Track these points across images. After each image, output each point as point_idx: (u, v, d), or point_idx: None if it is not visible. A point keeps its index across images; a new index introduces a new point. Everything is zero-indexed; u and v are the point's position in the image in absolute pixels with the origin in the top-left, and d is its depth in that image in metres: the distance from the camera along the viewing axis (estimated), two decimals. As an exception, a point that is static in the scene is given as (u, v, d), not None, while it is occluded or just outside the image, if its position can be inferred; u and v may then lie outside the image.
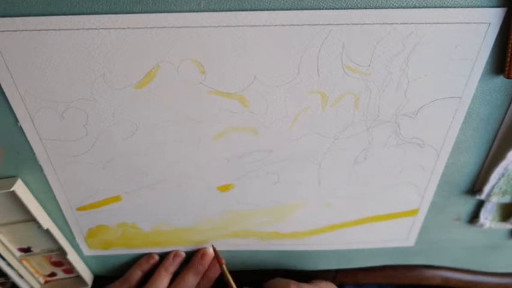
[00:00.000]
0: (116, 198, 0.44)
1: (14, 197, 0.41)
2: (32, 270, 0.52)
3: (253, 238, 0.50)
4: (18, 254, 0.50)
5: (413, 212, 0.48)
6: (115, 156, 0.40)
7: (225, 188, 0.44)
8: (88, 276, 0.54)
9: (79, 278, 0.54)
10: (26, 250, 0.50)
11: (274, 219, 0.48)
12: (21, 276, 0.51)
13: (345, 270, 0.55)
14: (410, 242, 0.51)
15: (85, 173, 0.41)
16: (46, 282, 0.55)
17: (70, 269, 0.53)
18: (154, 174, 0.42)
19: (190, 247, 0.52)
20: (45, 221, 0.45)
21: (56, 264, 0.53)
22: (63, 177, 0.41)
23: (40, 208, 0.44)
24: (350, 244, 0.51)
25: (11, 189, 0.40)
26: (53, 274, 0.54)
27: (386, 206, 0.47)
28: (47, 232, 0.46)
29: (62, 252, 0.49)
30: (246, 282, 0.55)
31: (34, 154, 0.39)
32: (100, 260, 0.53)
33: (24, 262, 0.51)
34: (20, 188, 0.41)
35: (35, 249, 0.50)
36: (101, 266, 0.54)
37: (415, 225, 0.49)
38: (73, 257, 0.50)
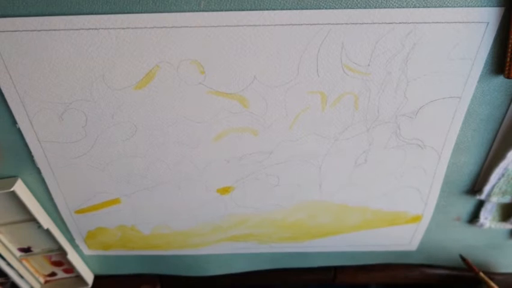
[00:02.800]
0: (115, 201, 0.44)
1: (14, 197, 0.41)
2: (32, 270, 0.52)
3: (253, 241, 0.50)
4: (18, 254, 0.49)
5: (417, 218, 0.47)
6: (114, 158, 0.40)
7: (224, 191, 0.44)
8: (88, 275, 0.54)
9: (79, 277, 0.53)
10: (26, 250, 0.49)
11: (274, 223, 0.48)
12: (21, 276, 0.51)
13: (345, 269, 0.55)
14: (413, 246, 0.51)
15: (84, 175, 0.41)
16: (46, 282, 0.54)
17: (70, 269, 0.53)
18: (153, 177, 0.42)
19: (190, 251, 0.51)
20: (46, 221, 0.45)
21: (56, 264, 0.52)
22: (61, 179, 0.41)
23: (40, 208, 0.44)
24: (351, 247, 0.51)
25: (11, 189, 0.40)
26: (53, 274, 0.54)
27: (389, 212, 0.47)
28: (47, 232, 0.46)
29: (62, 252, 0.49)
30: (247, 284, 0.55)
31: (32, 156, 0.39)
32: (101, 259, 0.52)
33: (24, 262, 0.51)
34: (20, 188, 0.41)
35: (35, 249, 0.50)
36: (102, 265, 0.54)
37: (418, 231, 0.49)
38: (73, 256, 0.50)
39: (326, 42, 0.32)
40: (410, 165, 0.42)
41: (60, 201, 0.44)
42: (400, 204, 0.46)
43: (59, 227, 0.47)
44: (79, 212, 0.45)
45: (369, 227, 0.48)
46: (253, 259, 0.54)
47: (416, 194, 0.45)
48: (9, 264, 0.49)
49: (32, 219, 0.44)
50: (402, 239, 0.50)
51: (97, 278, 0.55)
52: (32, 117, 0.36)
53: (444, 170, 0.43)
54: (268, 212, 0.46)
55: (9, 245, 0.48)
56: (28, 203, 0.42)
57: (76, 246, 0.50)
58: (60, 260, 0.52)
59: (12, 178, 0.41)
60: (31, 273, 0.52)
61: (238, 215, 0.46)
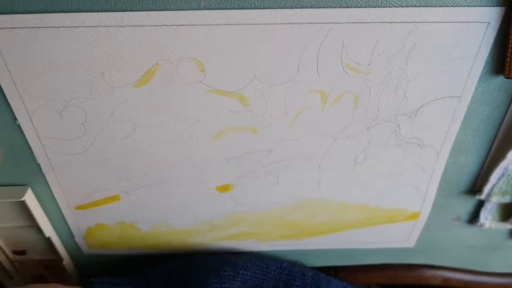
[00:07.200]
0: (114, 198, 0.44)
1: (22, 205, 0.42)
2: (22, 272, 0.52)
3: (252, 240, 0.50)
4: (11, 256, 0.50)
5: (415, 216, 0.47)
6: (113, 155, 0.40)
7: (224, 189, 0.44)
8: (77, 281, 0.54)
9: (68, 282, 0.53)
10: (20, 253, 0.50)
11: (273, 221, 0.48)
12: (10, 277, 0.51)
13: (345, 269, 0.55)
14: (411, 243, 0.51)
15: (84, 172, 0.41)
16: (33, 284, 0.54)
17: (60, 274, 0.53)
18: (152, 174, 0.42)
19: (189, 250, 0.51)
20: (49, 230, 0.46)
21: (48, 268, 0.52)
22: (61, 176, 0.41)
23: (44, 216, 0.45)
24: (350, 244, 0.51)
25: (22, 199, 0.40)
26: (42, 276, 0.54)
27: (387, 209, 0.47)
28: (47, 238, 0.46)
29: (57, 258, 0.49)
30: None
31: (32, 153, 0.39)
32: (96, 262, 0.53)
33: (16, 264, 0.51)
34: (29, 197, 0.41)
35: (29, 253, 0.50)
36: (98, 267, 0.54)
37: (416, 228, 0.49)
38: (68, 263, 0.51)
39: (326, 41, 0.32)
40: (409, 163, 0.42)
41: (61, 198, 0.44)
42: (398, 201, 0.46)
43: (59, 225, 0.47)
44: (79, 208, 0.45)
45: (368, 224, 0.48)
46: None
47: (414, 192, 0.45)
48: (0, 264, 0.49)
49: (34, 226, 0.44)
50: (400, 236, 0.50)
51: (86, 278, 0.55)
52: (32, 114, 0.36)
53: (442, 168, 0.43)
54: (268, 210, 0.46)
55: (5, 247, 0.48)
56: (35, 212, 0.42)
57: (73, 248, 0.50)
58: (52, 264, 0.52)
59: (23, 187, 0.42)
60: (20, 275, 0.52)
61: (237, 213, 0.47)
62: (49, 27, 0.31)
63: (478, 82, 0.35)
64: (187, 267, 0.46)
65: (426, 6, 0.31)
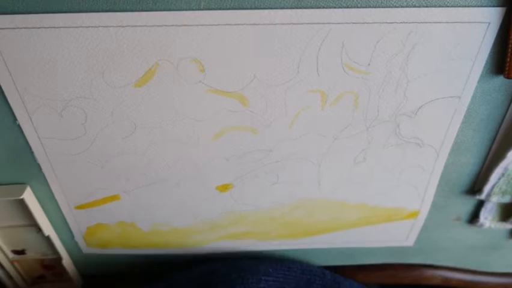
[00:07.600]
0: (114, 198, 0.44)
1: (21, 204, 0.42)
2: (21, 271, 0.52)
3: (252, 239, 0.50)
4: (11, 255, 0.50)
5: (414, 214, 0.48)
6: (113, 155, 0.40)
7: (224, 188, 0.44)
8: (78, 281, 0.54)
9: (68, 282, 0.54)
10: (20, 252, 0.50)
11: (273, 220, 0.48)
12: (10, 277, 0.51)
13: (345, 269, 0.55)
14: (410, 242, 0.51)
15: (84, 172, 0.41)
16: (34, 283, 0.55)
17: (60, 273, 0.53)
18: (152, 174, 0.42)
19: (189, 249, 0.51)
20: (48, 228, 0.46)
21: (47, 267, 0.53)
22: (61, 175, 0.41)
23: (44, 215, 0.45)
24: (350, 243, 0.51)
25: (21, 197, 0.40)
26: (42, 276, 0.54)
27: (387, 208, 0.47)
28: (46, 237, 0.46)
29: (57, 256, 0.49)
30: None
31: (32, 153, 0.39)
32: (96, 261, 0.53)
33: (16, 264, 0.51)
34: (28, 195, 0.41)
35: (29, 252, 0.50)
36: (98, 266, 0.54)
37: (415, 227, 0.49)
38: (67, 262, 0.51)
39: (326, 41, 0.32)
40: (409, 163, 0.42)
41: (61, 197, 0.44)
42: (398, 200, 0.46)
43: (58, 225, 0.47)
44: (79, 207, 0.45)
45: (367, 223, 0.48)
46: (252, 256, 0.54)
47: (413, 191, 0.45)
48: (0, 264, 0.49)
49: (33, 225, 0.44)
50: (399, 234, 0.50)
51: (92, 278, 0.55)
52: (32, 114, 0.36)
53: (442, 168, 0.43)
54: (267, 209, 0.46)
55: (4, 246, 0.48)
56: (34, 211, 0.42)
57: (72, 250, 0.50)
58: (52, 264, 0.52)
59: (21, 185, 0.42)
60: (20, 275, 0.52)
61: (237, 212, 0.47)
62: (49, 27, 0.31)
63: (478, 82, 0.35)
64: (211, 274, 0.47)
65: (427, 7, 0.31)
